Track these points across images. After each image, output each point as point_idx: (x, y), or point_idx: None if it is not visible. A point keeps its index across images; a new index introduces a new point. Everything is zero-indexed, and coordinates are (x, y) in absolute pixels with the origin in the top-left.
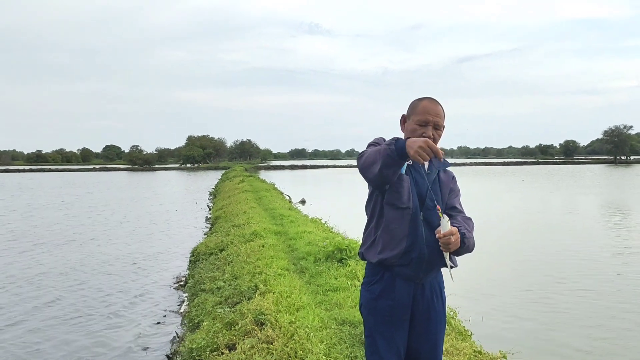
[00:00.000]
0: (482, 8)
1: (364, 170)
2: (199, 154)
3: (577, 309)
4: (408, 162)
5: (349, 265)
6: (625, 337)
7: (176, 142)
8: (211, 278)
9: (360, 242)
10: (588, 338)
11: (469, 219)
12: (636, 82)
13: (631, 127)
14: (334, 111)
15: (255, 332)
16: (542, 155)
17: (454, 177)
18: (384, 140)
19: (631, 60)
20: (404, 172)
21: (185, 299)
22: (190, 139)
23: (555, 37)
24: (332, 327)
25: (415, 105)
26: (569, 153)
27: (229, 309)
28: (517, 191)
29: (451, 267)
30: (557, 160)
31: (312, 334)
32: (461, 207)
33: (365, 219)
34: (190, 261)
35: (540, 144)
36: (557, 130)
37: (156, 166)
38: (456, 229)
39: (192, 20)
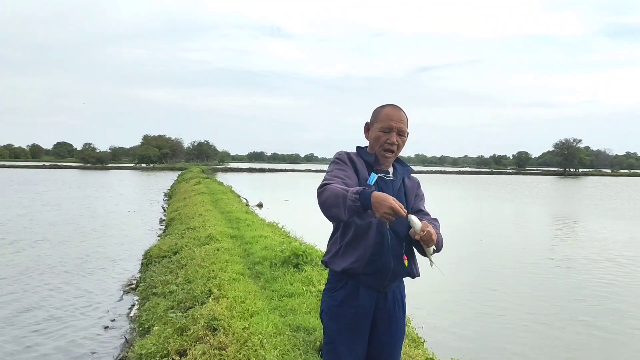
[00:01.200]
0: (442, 19)
1: (326, 211)
2: (154, 153)
3: (524, 316)
4: (378, 175)
5: (305, 270)
6: (571, 343)
7: (131, 141)
8: (163, 282)
9: (317, 247)
10: (535, 344)
11: (435, 219)
12: (586, 97)
13: (580, 140)
14: (295, 115)
15: (208, 337)
16: (495, 165)
17: (418, 183)
18: (347, 157)
19: (582, 76)
20: (371, 183)
21: (136, 302)
22: (146, 138)
23: (512, 50)
24: (287, 333)
25: (378, 113)
26: (522, 164)
27: (181, 314)
28: (469, 199)
29: (432, 263)
30: (510, 171)
31: (265, 340)
32: (426, 210)
33: (325, 224)
34: (142, 264)
35: (494, 154)
36: (511, 141)
37: (109, 165)
38: (426, 222)
39: (153, 18)
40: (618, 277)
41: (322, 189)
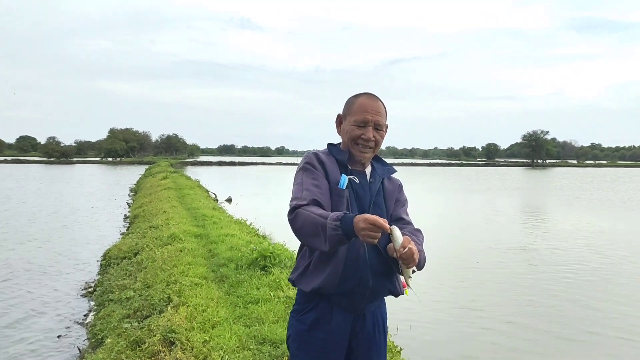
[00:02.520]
0: (410, 13)
1: (303, 240)
2: (121, 147)
3: (502, 315)
4: (350, 177)
5: (273, 273)
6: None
7: (98, 134)
8: (121, 286)
9: (287, 245)
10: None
11: (419, 230)
12: (552, 90)
13: (547, 132)
14: (265, 108)
15: (163, 354)
16: (465, 157)
17: (400, 186)
18: (316, 159)
19: (548, 69)
20: (344, 187)
21: (93, 308)
22: (112, 131)
23: (480, 44)
24: (251, 347)
25: (351, 103)
26: (491, 155)
27: (137, 324)
28: (441, 191)
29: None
30: (480, 162)
31: (227, 357)
32: (409, 217)
33: None
34: (101, 265)
35: (464, 146)
36: (480, 133)
37: (75, 159)
38: (408, 238)
39: (119, 9)
40: (606, 266)
41: (293, 215)
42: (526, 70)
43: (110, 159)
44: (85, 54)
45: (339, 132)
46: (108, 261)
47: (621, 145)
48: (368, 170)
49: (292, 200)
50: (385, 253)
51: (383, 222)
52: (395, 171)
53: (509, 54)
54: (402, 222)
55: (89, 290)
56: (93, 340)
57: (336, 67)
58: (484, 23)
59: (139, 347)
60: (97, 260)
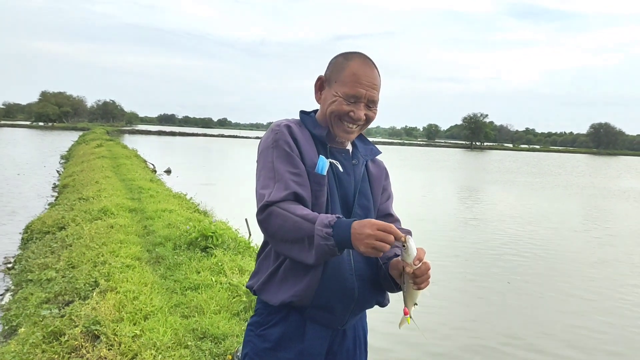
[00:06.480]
0: None
1: (278, 247)
2: (54, 112)
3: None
4: (331, 160)
5: (215, 256)
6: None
7: (28, 97)
8: (41, 265)
9: (229, 224)
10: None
11: (408, 232)
12: (491, 74)
13: (487, 115)
14: (208, 78)
15: (85, 349)
16: (407, 136)
17: (386, 171)
18: (288, 133)
19: (489, 53)
20: (323, 173)
21: (10, 288)
22: (44, 94)
23: (425, 24)
24: (189, 343)
25: (340, 66)
26: (431, 136)
27: (57, 311)
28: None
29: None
30: (421, 142)
31: (161, 356)
32: (396, 214)
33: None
34: (22, 239)
35: (406, 126)
36: (422, 114)
37: (2, 122)
38: (424, 250)
39: None
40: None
41: (265, 214)
42: (468, 53)
43: (41, 124)
44: (16, 10)
45: (318, 100)
46: (30, 235)
47: (553, 132)
48: (349, 149)
49: (260, 192)
50: (377, 262)
51: (395, 229)
52: (380, 152)
53: (452, 36)
54: (391, 219)
55: (9, 266)
56: (7, 327)
57: (282, 40)
58: (431, 3)
59: (57, 340)
60: (19, 233)
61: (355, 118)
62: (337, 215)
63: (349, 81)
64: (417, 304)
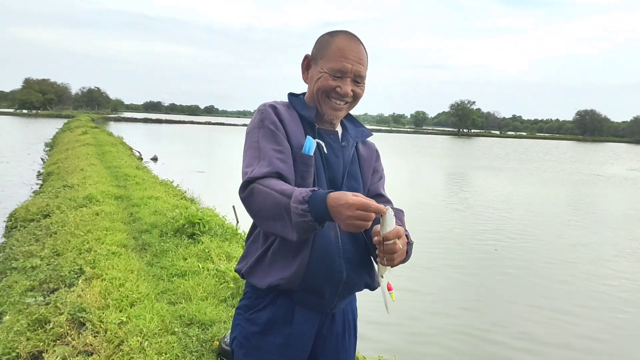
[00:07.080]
0: None
1: (263, 226)
2: (38, 99)
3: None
4: (318, 141)
5: (202, 242)
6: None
7: (11, 84)
8: (26, 253)
9: (216, 210)
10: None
11: (401, 211)
12: (479, 61)
13: (474, 102)
14: (194, 65)
15: (71, 337)
16: (394, 124)
17: (377, 153)
18: (274, 113)
19: (477, 40)
20: (310, 153)
21: None
22: (28, 81)
23: (413, 11)
24: (176, 330)
25: (326, 43)
26: (419, 123)
27: (42, 299)
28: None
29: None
30: (408, 130)
31: (147, 342)
32: (387, 195)
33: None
34: (6, 227)
35: (394, 113)
36: (409, 101)
37: None
38: (402, 229)
39: None
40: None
41: (247, 191)
42: (456, 40)
43: (25, 111)
44: None
45: (305, 79)
46: (14, 223)
47: (539, 119)
48: (339, 130)
49: (244, 170)
50: (364, 236)
51: (374, 203)
52: (371, 134)
53: (440, 23)
54: (382, 200)
55: None
56: None
57: (269, 26)
58: None
59: (42, 327)
60: (4, 221)
61: (342, 93)
62: (311, 188)
63: (334, 56)
64: (383, 277)
